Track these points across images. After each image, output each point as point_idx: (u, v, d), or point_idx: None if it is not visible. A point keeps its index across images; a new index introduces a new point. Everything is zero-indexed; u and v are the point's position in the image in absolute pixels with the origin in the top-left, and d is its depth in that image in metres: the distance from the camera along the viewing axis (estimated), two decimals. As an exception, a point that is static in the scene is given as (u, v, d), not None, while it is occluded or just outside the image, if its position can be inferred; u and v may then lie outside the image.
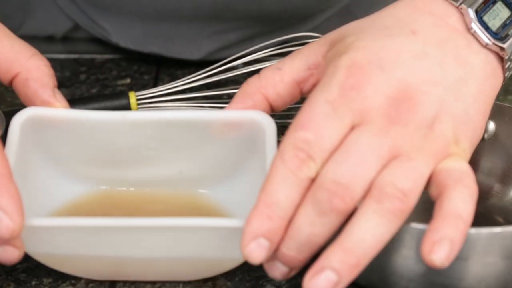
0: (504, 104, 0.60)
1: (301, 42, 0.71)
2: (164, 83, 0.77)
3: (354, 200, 0.46)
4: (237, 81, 0.77)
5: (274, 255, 0.48)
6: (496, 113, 0.60)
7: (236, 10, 0.75)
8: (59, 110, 0.54)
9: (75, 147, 0.55)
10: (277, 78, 0.54)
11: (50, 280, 0.54)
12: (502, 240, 0.48)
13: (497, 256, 0.48)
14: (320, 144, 0.47)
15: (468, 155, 0.51)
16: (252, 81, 0.55)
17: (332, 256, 0.45)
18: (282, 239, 0.47)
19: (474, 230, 0.48)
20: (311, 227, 0.46)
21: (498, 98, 0.76)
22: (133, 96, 0.68)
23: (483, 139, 0.61)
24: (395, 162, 0.47)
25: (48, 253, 0.51)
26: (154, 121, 0.55)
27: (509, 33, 0.54)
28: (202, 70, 0.71)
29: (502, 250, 0.48)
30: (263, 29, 0.78)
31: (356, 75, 0.49)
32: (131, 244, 0.49)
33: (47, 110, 0.54)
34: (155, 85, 0.77)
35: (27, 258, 0.55)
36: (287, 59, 0.55)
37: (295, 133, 0.48)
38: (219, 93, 0.72)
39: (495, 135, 0.60)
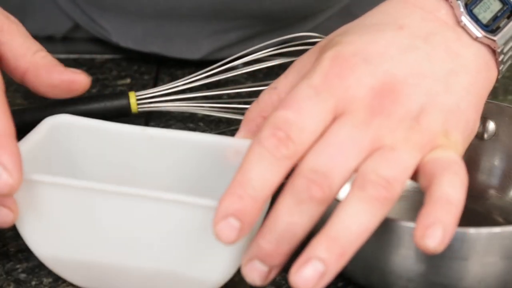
0: (504, 104, 0.60)
1: (301, 42, 0.71)
2: (164, 83, 0.77)
3: (332, 190, 0.45)
4: (237, 81, 0.77)
5: (252, 253, 0.46)
6: (496, 113, 0.60)
7: (236, 10, 0.75)
8: (89, 120, 0.55)
9: (94, 157, 0.56)
10: (274, 97, 0.54)
11: (50, 280, 0.54)
12: (502, 240, 0.48)
13: (496, 256, 0.48)
14: (300, 124, 0.46)
15: (460, 147, 0.50)
16: (252, 107, 0.55)
17: (317, 246, 0.44)
18: (259, 231, 0.46)
19: (474, 230, 0.48)
20: (289, 216, 0.45)
21: (498, 98, 0.76)
22: (133, 96, 0.69)
23: (483, 139, 0.61)
24: (378, 153, 0.47)
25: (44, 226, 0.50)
26: (172, 138, 0.55)
27: (501, 25, 0.54)
28: (202, 70, 0.71)
29: (501, 250, 0.48)
30: (263, 28, 0.78)
31: (340, 65, 0.49)
32: (114, 216, 0.48)
33: (79, 119, 0.55)
34: (155, 85, 0.77)
35: (27, 258, 0.56)
36: (281, 77, 0.55)
37: (276, 113, 0.47)
38: (219, 93, 0.72)
39: (495, 135, 0.60)
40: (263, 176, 0.45)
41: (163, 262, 0.50)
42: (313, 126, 0.47)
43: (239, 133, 0.55)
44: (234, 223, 0.44)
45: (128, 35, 0.79)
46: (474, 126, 0.52)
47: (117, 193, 0.48)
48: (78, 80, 0.55)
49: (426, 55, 0.51)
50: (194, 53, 0.79)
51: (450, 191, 0.46)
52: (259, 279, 0.47)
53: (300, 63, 0.55)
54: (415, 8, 0.53)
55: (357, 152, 0.46)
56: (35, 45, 0.56)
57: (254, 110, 0.55)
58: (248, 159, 0.46)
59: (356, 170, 0.46)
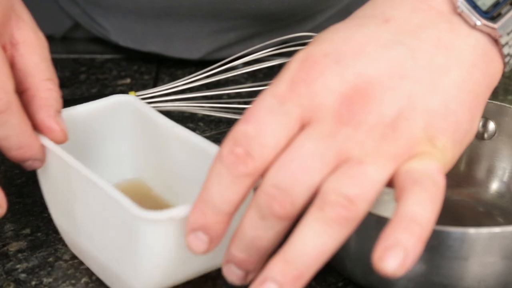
0: (504, 104, 0.60)
1: (301, 42, 0.71)
2: (164, 83, 0.77)
3: (295, 206, 0.43)
4: (237, 81, 0.77)
5: (227, 257, 0.46)
6: (496, 113, 0.60)
7: (235, 9, 0.75)
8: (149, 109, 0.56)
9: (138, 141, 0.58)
10: None
11: (50, 280, 0.54)
12: (502, 240, 0.48)
13: (496, 256, 0.48)
14: (260, 139, 0.44)
15: (449, 153, 0.46)
16: None
17: (274, 268, 0.43)
18: (223, 234, 0.45)
19: (474, 230, 0.48)
20: (255, 230, 0.44)
21: (498, 98, 0.76)
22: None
23: (483, 139, 0.61)
24: (343, 167, 0.44)
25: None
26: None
27: (502, 12, 0.49)
28: (202, 70, 0.71)
29: (501, 250, 0.48)
30: (263, 28, 0.78)
31: (308, 68, 0.45)
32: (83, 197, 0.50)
33: (141, 104, 0.57)
34: (155, 85, 0.77)
35: (27, 258, 0.56)
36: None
37: (237, 126, 0.45)
38: (219, 93, 0.72)
39: (495, 135, 0.60)
40: (223, 194, 0.44)
41: (104, 254, 0.51)
42: (275, 141, 0.44)
43: None
44: (202, 236, 0.45)
45: (128, 34, 0.79)
46: (469, 126, 0.48)
47: (86, 177, 0.49)
48: (54, 132, 0.52)
49: (410, 51, 0.47)
50: (193, 53, 0.79)
51: (417, 209, 0.43)
52: (238, 281, 0.46)
53: None
54: None
55: (320, 166, 0.43)
56: (47, 71, 0.54)
57: None
58: (209, 176, 0.45)
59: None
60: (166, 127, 0.55)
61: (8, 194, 0.61)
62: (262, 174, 0.45)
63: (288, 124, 0.45)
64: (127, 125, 0.58)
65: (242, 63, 0.72)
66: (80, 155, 0.54)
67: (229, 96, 0.75)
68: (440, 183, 0.45)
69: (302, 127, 0.45)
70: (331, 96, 0.45)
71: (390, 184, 0.45)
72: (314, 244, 0.43)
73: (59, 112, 0.53)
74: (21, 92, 0.53)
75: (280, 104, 0.45)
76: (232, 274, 0.46)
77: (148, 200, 0.58)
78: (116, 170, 0.59)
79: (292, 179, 0.43)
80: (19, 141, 0.50)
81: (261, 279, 0.43)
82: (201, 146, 0.52)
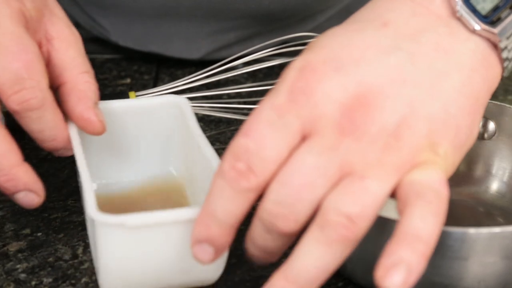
0: (504, 104, 0.60)
1: (301, 42, 0.71)
2: (164, 83, 0.77)
3: (298, 223, 0.43)
4: (237, 81, 0.77)
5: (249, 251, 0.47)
6: (496, 113, 0.60)
7: (235, 9, 0.75)
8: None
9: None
10: None
11: (50, 280, 0.54)
12: (502, 240, 0.48)
13: (496, 256, 0.48)
14: (261, 154, 0.43)
15: (450, 159, 0.46)
16: None
17: (275, 284, 0.43)
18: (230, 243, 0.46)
19: (474, 230, 0.48)
20: (263, 241, 0.45)
21: (498, 98, 0.76)
22: (133, 96, 0.69)
23: (483, 139, 0.61)
24: (345, 183, 0.43)
25: None
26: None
27: (502, 16, 0.48)
28: (202, 70, 0.71)
29: (501, 250, 0.48)
30: (263, 28, 0.78)
31: (306, 77, 0.45)
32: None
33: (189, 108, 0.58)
34: (155, 85, 0.77)
35: (27, 258, 0.56)
36: None
37: (236, 140, 0.44)
38: (219, 93, 0.72)
39: (495, 135, 0.60)
40: (226, 208, 0.44)
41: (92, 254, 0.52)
42: (276, 154, 0.44)
43: None
44: (207, 248, 0.46)
45: (128, 34, 0.79)
46: (469, 131, 0.47)
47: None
48: (93, 124, 0.54)
49: (410, 56, 0.46)
50: (193, 53, 0.79)
51: (420, 225, 0.42)
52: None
53: None
54: (405, 1, 0.48)
55: (323, 181, 0.43)
56: (84, 65, 0.56)
57: None
58: (212, 191, 0.45)
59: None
60: (193, 134, 0.56)
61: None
62: (264, 188, 0.44)
63: (288, 136, 0.44)
64: (167, 125, 0.59)
65: (242, 63, 0.72)
66: (113, 148, 0.58)
67: (229, 96, 0.75)
68: (443, 194, 0.44)
69: (303, 138, 0.44)
70: (331, 106, 0.44)
71: (393, 195, 0.45)
72: (315, 263, 0.42)
73: (96, 104, 0.55)
74: (59, 85, 0.55)
75: (279, 116, 0.44)
76: (204, 256, 0.46)
77: (175, 199, 0.58)
78: (148, 165, 0.60)
79: (295, 196, 0.43)
80: (53, 134, 0.53)
81: None
82: (209, 160, 0.53)
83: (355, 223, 0.42)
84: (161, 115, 0.59)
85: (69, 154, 0.55)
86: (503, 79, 0.51)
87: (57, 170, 0.65)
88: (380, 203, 0.43)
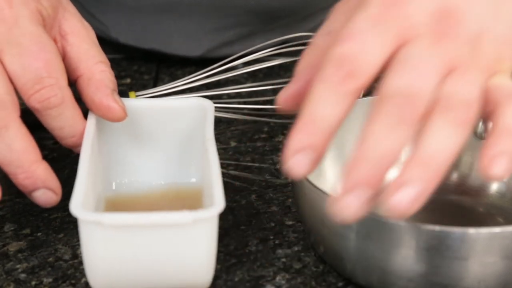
0: (504, 104, 0.60)
1: (302, 42, 0.71)
2: (164, 83, 0.77)
3: (421, 111, 0.45)
4: (237, 81, 0.77)
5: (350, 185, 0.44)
6: (496, 113, 0.60)
7: (234, 6, 0.75)
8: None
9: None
10: (330, 41, 0.49)
11: (50, 280, 0.54)
12: (502, 240, 0.48)
13: (496, 256, 0.48)
14: (364, 58, 0.45)
15: (510, 75, 0.49)
16: (306, 55, 0.50)
17: (411, 171, 0.44)
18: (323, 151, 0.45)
19: (474, 230, 0.48)
20: (385, 143, 0.44)
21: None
22: (133, 96, 0.69)
23: (483, 138, 0.61)
24: (454, 75, 0.46)
25: None
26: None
27: None
28: (202, 70, 0.71)
29: (501, 250, 0.48)
30: (264, 26, 0.78)
31: None
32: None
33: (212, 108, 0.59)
34: (155, 85, 0.77)
35: (27, 258, 0.56)
36: (330, 20, 0.51)
37: (334, 50, 0.45)
38: (219, 93, 0.72)
39: (495, 135, 0.60)
40: (332, 113, 0.45)
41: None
42: (378, 58, 0.46)
43: (294, 85, 0.49)
44: (306, 156, 0.44)
45: (128, 31, 0.79)
46: None
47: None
48: (113, 110, 0.55)
49: None
50: (193, 50, 0.79)
51: None
52: (360, 207, 0.44)
53: (345, 4, 0.51)
54: None
55: (434, 73, 0.46)
56: (99, 55, 0.57)
57: (309, 56, 0.50)
58: (315, 97, 0.45)
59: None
60: (204, 138, 0.56)
61: (8, 194, 0.62)
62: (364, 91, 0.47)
63: (387, 42, 0.46)
64: (190, 128, 0.60)
65: (242, 63, 0.72)
66: (134, 147, 0.59)
67: (229, 96, 0.75)
68: None
69: (399, 47, 0.46)
70: (424, 15, 0.47)
71: None
72: (447, 143, 0.44)
73: (115, 90, 0.56)
74: (76, 78, 0.56)
75: (376, 25, 0.46)
76: (355, 203, 0.44)
77: (189, 205, 0.57)
78: (168, 169, 0.60)
79: (416, 85, 0.45)
80: (72, 131, 0.55)
81: (398, 184, 0.43)
82: (211, 166, 0.53)
83: (471, 107, 0.46)
84: (186, 118, 0.59)
85: None
86: None
87: (57, 170, 0.65)
88: (481, 96, 0.47)
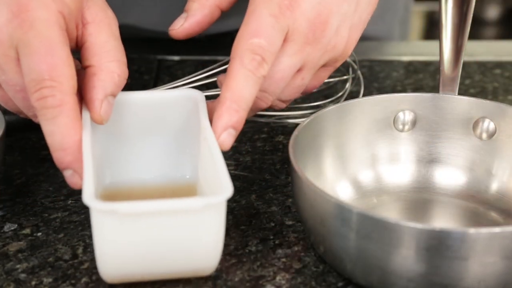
0: (504, 104, 0.60)
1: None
2: (164, 83, 0.77)
3: (271, 100, 0.60)
4: (237, 81, 0.77)
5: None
6: (496, 113, 0.60)
7: None
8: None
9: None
10: None
11: (50, 280, 0.54)
12: (502, 240, 0.48)
13: (496, 256, 0.48)
14: (270, 48, 0.56)
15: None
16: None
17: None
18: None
19: (474, 230, 0.48)
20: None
21: (498, 98, 0.76)
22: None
23: (483, 139, 0.61)
24: (301, 72, 0.60)
25: None
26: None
27: None
28: (202, 70, 0.71)
29: (501, 250, 0.48)
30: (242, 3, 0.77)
31: None
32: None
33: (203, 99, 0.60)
34: (155, 85, 0.77)
35: (27, 258, 0.56)
36: None
37: (249, 40, 0.56)
38: (219, 93, 0.72)
39: (495, 135, 0.60)
40: (252, 92, 0.56)
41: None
42: (277, 48, 0.57)
43: (188, 22, 0.62)
44: (232, 132, 0.55)
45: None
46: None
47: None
48: (94, 114, 0.56)
49: None
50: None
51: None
52: (232, 143, 0.56)
53: None
54: None
55: (291, 74, 0.59)
56: (114, 52, 0.57)
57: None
58: (236, 79, 0.56)
59: None
60: (201, 127, 0.57)
61: (8, 194, 0.62)
62: None
63: (282, 37, 0.57)
64: (182, 119, 0.60)
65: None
66: (125, 142, 0.60)
67: (229, 96, 0.74)
68: None
69: (284, 40, 0.58)
70: (304, 22, 0.58)
71: None
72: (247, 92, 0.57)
73: (111, 95, 0.56)
74: (86, 67, 0.57)
75: (277, 22, 0.57)
76: (231, 140, 0.55)
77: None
78: (162, 163, 0.61)
79: (275, 85, 0.59)
80: (62, 141, 0.53)
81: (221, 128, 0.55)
82: (212, 153, 0.54)
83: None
84: (178, 109, 0.60)
85: (77, 183, 0.54)
86: (504, 76, 0.53)
87: (57, 170, 0.65)
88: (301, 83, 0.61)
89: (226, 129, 0.55)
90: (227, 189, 0.50)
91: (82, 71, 0.57)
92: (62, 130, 0.53)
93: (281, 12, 0.57)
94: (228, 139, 0.55)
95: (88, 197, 0.49)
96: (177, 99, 0.59)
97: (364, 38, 0.90)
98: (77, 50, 0.58)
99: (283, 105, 0.62)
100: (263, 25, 0.57)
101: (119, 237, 0.50)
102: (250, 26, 0.57)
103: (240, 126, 0.56)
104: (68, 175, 0.54)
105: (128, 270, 0.51)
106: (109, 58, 0.57)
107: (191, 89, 0.60)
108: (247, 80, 0.56)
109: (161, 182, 0.60)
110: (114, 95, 0.56)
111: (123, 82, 0.57)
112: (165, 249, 0.50)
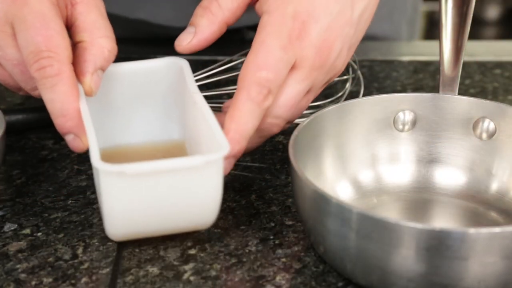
0: (504, 104, 0.60)
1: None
2: (164, 83, 0.77)
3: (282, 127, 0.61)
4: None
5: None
6: (496, 113, 0.60)
7: None
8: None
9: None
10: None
11: (50, 280, 0.54)
12: (502, 240, 0.48)
13: (496, 256, 0.48)
14: (277, 81, 0.58)
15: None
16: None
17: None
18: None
19: (474, 230, 0.48)
20: (253, 144, 0.60)
21: (498, 98, 0.76)
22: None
23: (483, 139, 0.61)
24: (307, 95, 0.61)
25: None
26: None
27: None
28: (202, 70, 0.71)
29: (501, 250, 0.48)
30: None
31: (299, 27, 0.59)
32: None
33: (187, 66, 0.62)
34: (155, 85, 0.77)
35: (27, 258, 0.56)
36: None
37: (258, 73, 0.57)
38: (219, 93, 0.72)
39: (495, 135, 0.60)
40: (255, 124, 0.58)
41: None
42: (283, 78, 0.59)
43: (196, 39, 0.61)
44: (232, 161, 0.57)
45: (114, 1, 0.79)
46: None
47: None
48: (85, 86, 0.58)
49: (350, 5, 0.61)
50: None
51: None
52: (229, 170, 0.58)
53: None
54: None
55: (297, 98, 0.60)
56: (104, 29, 0.60)
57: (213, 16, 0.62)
58: (243, 112, 0.57)
59: None
60: (190, 92, 0.60)
61: (8, 194, 0.62)
62: None
63: (288, 68, 0.59)
64: (168, 87, 0.63)
65: (241, 62, 0.72)
66: (115, 110, 0.62)
67: (229, 96, 0.75)
68: None
69: (292, 67, 0.59)
70: (311, 50, 0.59)
71: None
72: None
73: (101, 69, 0.59)
74: (77, 42, 0.59)
75: (285, 54, 0.58)
76: (230, 168, 0.58)
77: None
78: (151, 127, 0.64)
79: (287, 111, 0.60)
80: (62, 108, 0.56)
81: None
82: (204, 115, 0.57)
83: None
84: (163, 77, 0.62)
85: (79, 146, 0.57)
86: (504, 76, 0.53)
87: (57, 170, 0.65)
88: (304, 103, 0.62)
89: (228, 159, 0.57)
90: (225, 146, 0.53)
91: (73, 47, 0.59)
92: (61, 97, 0.56)
93: (291, 43, 0.58)
94: (228, 167, 0.57)
95: (97, 160, 0.52)
96: (162, 67, 0.62)
97: (371, 38, 0.91)
98: (67, 29, 0.59)
99: (288, 125, 0.63)
100: (272, 59, 0.58)
101: (126, 197, 0.53)
102: (259, 58, 0.58)
103: (240, 155, 0.57)
104: (70, 139, 0.57)
105: (134, 227, 0.55)
106: (99, 34, 0.59)
107: (175, 57, 0.63)
108: (252, 113, 0.57)
109: (151, 145, 0.64)
110: (103, 69, 0.59)
111: (113, 57, 0.60)
112: (169, 206, 0.54)
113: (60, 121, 0.56)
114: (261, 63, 0.58)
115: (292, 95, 0.59)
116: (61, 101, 0.56)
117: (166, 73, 0.62)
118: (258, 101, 0.57)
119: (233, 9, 0.61)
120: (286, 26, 0.59)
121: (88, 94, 0.58)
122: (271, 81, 0.58)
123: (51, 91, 0.56)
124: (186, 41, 0.61)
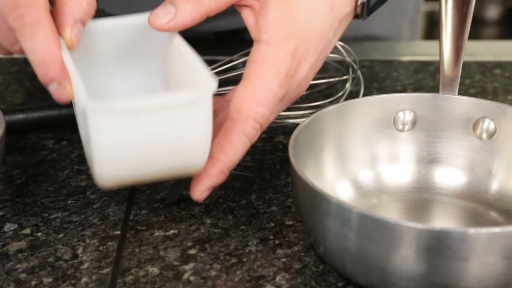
0: (504, 104, 0.60)
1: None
2: (164, 83, 0.77)
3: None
4: (237, 81, 0.77)
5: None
6: (496, 113, 0.60)
7: None
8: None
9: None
10: None
11: (50, 280, 0.54)
12: (502, 240, 0.48)
13: (496, 256, 0.48)
14: (269, 118, 0.59)
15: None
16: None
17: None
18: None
19: (474, 230, 0.48)
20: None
21: (498, 98, 0.76)
22: (133, 96, 0.69)
23: (483, 139, 0.61)
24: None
25: None
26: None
27: None
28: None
29: (501, 250, 0.48)
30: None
31: (295, 66, 0.60)
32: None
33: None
34: (155, 85, 0.77)
35: (27, 258, 0.56)
36: None
37: (256, 109, 0.58)
38: (219, 93, 0.72)
39: (495, 135, 0.60)
40: (241, 156, 0.58)
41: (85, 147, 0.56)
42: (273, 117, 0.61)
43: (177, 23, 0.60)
44: (212, 189, 0.58)
45: (114, 0, 0.79)
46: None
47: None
48: (66, 39, 0.57)
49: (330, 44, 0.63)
50: None
51: None
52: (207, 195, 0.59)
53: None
54: None
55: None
56: None
57: None
58: (233, 145, 0.58)
59: None
60: (169, 40, 0.60)
61: (8, 194, 0.62)
62: None
63: (282, 106, 0.61)
64: (152, 41, 0.62)
65: (241, 62, 0.72)
66: (101, 66, 0.62)
67: (229, 96, 0.74)
68: None
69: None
70: (297, 89, 0.61)
71: None
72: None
73: (81, 22, 0.58)
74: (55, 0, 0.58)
75: (281, 91, 0.59)
76: (207, 194, 0.58)
77: None
78: (135, 81, 0.63)
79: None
80: (44, 56, 0.55)
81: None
82: (188, 58, 0.57)
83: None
84: (146, 32, 0.61)
85: (63, 95, 0.55)
86: (504, 76, 0.53)
87: (57, 170, 0.65)
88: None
89: (210, 189, 0.58)
90: (212, 81, 0.53)
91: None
92: (42, 44, 0.55)
93: (286, 81, 0.59)
94: (207, 194, 0.58)
95: (84, 98, 0.51)
96: (145, 22, 0.61)
97: (373, 38, 0.91)
98: None
99: None
100: (272, 96, 0.59)
101: (115, 137, 0.52)
102: (259, 94, 0.58)
103: (220, 182, 0.58)
104: (54, 89, 0.55)
105: (124, 171, 0.54)
106: None
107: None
108: (243, 146, 0.58)
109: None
110: (83, 22, 0.58)
111: (92, 11, 0.59)
112: (159, 146, 0.53)
113: (43, 70, 0.55)
114: (261, 100, 0.58)
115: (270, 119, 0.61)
116: (42, 49, 0.55)
117: (149, 27, 0.60)
118: (250, 136, 0.58)
119: (220, 3, 0.60)
120: (286, 63, 0.59)
121: (69, 47, 0.57)
122: (266, 118, 0.59)
123: (31, 39, 0.55)
124: (163, 20, 0.59)
